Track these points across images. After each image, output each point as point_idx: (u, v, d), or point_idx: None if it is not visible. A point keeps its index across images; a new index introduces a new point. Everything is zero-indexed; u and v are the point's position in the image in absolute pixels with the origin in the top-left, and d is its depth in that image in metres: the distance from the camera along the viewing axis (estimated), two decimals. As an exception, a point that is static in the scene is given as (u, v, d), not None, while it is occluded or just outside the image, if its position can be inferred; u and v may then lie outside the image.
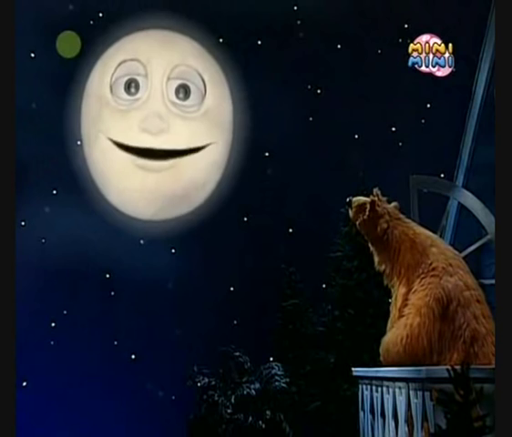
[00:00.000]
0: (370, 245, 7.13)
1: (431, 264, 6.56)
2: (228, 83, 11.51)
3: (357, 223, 7.17)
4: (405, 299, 6.60)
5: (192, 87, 11.33)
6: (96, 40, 11.34)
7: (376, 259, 7.05)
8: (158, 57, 11.33)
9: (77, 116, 11.34)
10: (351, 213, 7.27)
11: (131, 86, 11.26)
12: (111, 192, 11.30)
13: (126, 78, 11.30)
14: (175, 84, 11.28)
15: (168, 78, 11.23)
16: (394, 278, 6.82)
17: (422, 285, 6.47)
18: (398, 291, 6.71)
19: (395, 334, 6.46)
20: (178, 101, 11.24)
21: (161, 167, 11.22)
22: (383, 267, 6.97)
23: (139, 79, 11.28)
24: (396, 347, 6.39)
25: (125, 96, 11.28)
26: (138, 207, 11.27)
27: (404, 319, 6.44)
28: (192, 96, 11.31)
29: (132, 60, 11.31)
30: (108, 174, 11.32)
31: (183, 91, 11.24)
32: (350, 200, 7.26)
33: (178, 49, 11.47)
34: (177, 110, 11.25)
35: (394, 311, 6.74)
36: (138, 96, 11.26)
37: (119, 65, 11.32)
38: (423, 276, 6.52)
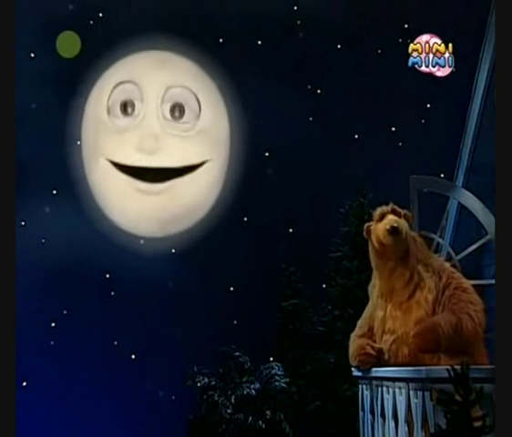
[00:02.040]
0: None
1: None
2: (224, 100, 11.53)
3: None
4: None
5: (186, 107, 11.37)
6: (96, 40, 11.34)
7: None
8: (152, 79, 11.38)
9: (77, 116, 11.35)
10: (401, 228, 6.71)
11: (127, 106, 11.33)
12: (112, 213, 11.33)
13: (121, 100, 11.35)
14: (169, 104, 11.31)
15: (163, 100, 11.29)
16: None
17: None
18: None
19: None
20: (172, 120, 11.29)
21: (159, 190, 11.25)
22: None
23: (135, 101, 11.33)
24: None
25: (121, 117, 11.33)
26: (138, 227, 11.31)
27: None
28: (187, 114, 11.36)
29: (127, 82, 11.37)
30: (109, 196, 11.36)
31: (178, 110, 11.30)
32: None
33: (171, 70, 11.51)
34: (172, 129, 11.31)
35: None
36: (133, 116, 11.31)
37: (115, 87, 11.37)
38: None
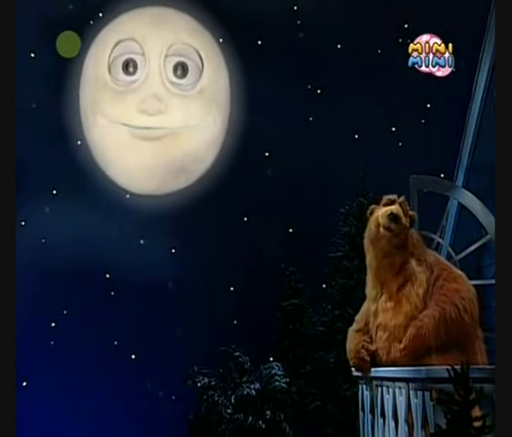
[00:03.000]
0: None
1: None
2: (224, 58, 11.53)
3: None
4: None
5: (190, 64, 11.34)
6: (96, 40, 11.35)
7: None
8: (153, 35, 11.33)
9: (77, 115, 11.35)
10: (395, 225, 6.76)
11: (129, 66, 11.26)
12: (113, 171, 11.36)
13: (123, 58, 11.29)
14: (173, 61, 11.27)
15: (166, 56, 11.24)
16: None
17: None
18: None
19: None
20: (175, 80, 11.25)
21: (158, 135, 11.24)
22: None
23: (137, 58, 11.27)
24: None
25: (123, 76, 11.28)
26: (139, 181, 11.34)
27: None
28: (190, 73, 11.33)
29: (128, 40, 11.31)
30: (108, 153, 11.37)
31: (181, 69, 11.25)
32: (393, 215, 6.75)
33: (173, 26, 11.47)
34: (174, 89, 11.27)
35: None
36: (136, 76, 11.26)
37: (116, 45, 11.32)
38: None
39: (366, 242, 6.94)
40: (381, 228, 6.73)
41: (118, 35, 11.36)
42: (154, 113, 11.14)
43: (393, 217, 6.67)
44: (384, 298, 6.76)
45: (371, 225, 6.87)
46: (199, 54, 11.39)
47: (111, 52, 11.30)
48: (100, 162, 11.38)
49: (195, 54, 11.38)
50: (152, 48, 11.28)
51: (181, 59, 11.29)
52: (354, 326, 7.11)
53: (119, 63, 11.27)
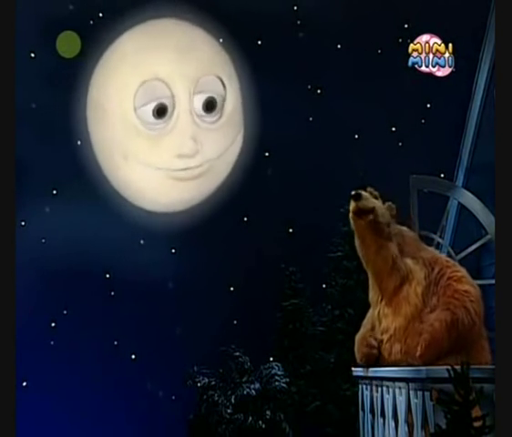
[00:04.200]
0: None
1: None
2: (238, 78, 11.56)
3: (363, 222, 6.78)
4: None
5: (217, 97, 11.32)
6: (96, 40, 11.34)
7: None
8: (180, 74, 11.19)
9: (77, 115, 11.34)
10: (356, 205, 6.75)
11: (160, 111, 11.07)
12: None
13: (153, 104, 11.08)
14: (201, 98, 11.22)
15: (194, 92, 11.18)
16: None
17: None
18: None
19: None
20: (205, 114, 11.23)
21: (197, 173, 11.31)
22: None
23: (166, 101, 11.10)
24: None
25: (154, 120, 11.09)
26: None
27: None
28: (218, 105, 11.33)
29: (154, 80, 11.11)
30: (145, 192, 11.39)
31: (211, 104, 11.24)
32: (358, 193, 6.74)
33: (196, 56, 11.39)
34: (205, 125, 11.26)
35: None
36: (167, 118, 11.13)
37: (140, 86, 11.10)
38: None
39: (356, 244, 6.93)
40: (354, 216, 6.73)
41: (143, 76, 11.13)
42: (192, 155, 11.14)
43: (354, 194, 6.68)
44: (384, 302, 6.74)
45: (352, 223, 6.87)
46: (221, 80, 11.38)
47: (136, 92, 11.09)
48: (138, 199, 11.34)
49: (219, 82, 11.37)
50: (180, 87, 11.15)
51: (209, 95, 11.25)
52: (361, 330, 7.10)
53: (149, 108, 11.07)
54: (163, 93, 11.15)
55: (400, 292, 6.61)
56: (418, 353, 6.34)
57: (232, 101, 11.47)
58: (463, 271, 6.74)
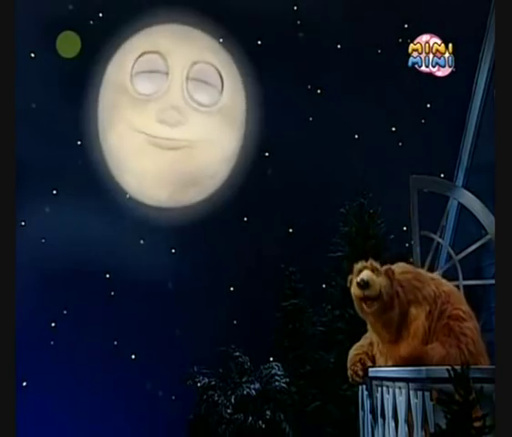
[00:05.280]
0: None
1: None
2: (242, 80, 11.58)
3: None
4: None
5: (211, 86, 11.40)
6: (96, 40, 11.35)
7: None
8: (178, 51, 11.48)
9: (77, 115, 11.36)
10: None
11: (152, 80, 11.39)
12: (127, 177, 11.48)
13: (147, 72, 11.44)
14: (194, 82, 11.36)
15: (189, 73, 11.34)
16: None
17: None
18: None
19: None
20: (196, 97, 11.33)
21: (175, 146, 11.38)
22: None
23: (160, 74, 11.40)
24: None
25: (145, 87, 11.42)
26: (150, 190, 11.46)
27: None
28: (210, 91, 11.39)
29: (152, 52, 11.49)
30: (124, 158, 11.46)
31: (202, 88, 11.34)
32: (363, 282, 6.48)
33: (196, 43, 11.63)
34: (195, 105, 11.43)
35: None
36: (157, 88, 11.40)
37: (140, 56, 11.48)
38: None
39: (356, 309, 6.88)
40: (360, 302, 6.56)
41: (144, 47, 11.54)
42: (173, 124, 11.23)
43: (362, 283, 6.49)
44: (381, 341, 6.73)
45: (353, 295, 6.66)
46: (219, 73, 11.46)
47: (135, 62, 11.45)
48: (113, 165, 11.42)
49: (217, 75, 11.45)
50: (176, 63, 11.42)
51: (202, 80, 11.37)
52: (361, 341, 7.09)
53: (142, 74, 11.44)
54: (158, 64, 11.44)
55: (401, 336, 6.57)
56: (402, 357, 6.34)
57: (230, 97, 11.49)
58: (464, 307, 6.67)
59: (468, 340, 6.39)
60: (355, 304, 6.69)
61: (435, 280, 6.87)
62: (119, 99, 11.47)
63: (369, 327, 6.90)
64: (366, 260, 6.69)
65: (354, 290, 6.58)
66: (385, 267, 6.64)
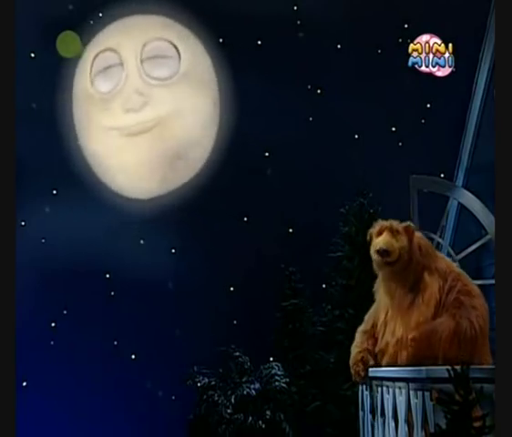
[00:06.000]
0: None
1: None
2: (203, 44, 11.57)
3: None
4: None
5: (167, 58, 11.44)
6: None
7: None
8: (127, 39, 11.46)
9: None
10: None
11: (108, 73, 11.39)
12: (113, 176, 11.46)
13: (102, 68, 11.44)
14: (149, 61, 11.39)
15: (142, 55, 11.39)
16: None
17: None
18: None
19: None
20: (154, 74, 11.38)
21: (148, 127, 11.34)
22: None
23: (115, 66, 11.41)
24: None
25: (105, 86, 11.42)
26: (140, 182, 11.42)
27: None
28: (168, 64, 11.42)
29: (105, 50, 11.46)
30: (106, 158, 11.47)
31: (158, 64, 11.35)
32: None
33: (143, 27, 11.61)
34: (155, 82, 11.41)
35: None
36: (116, 82, 11.37)
37: (95, 58, 11.47)
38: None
39: (374, 266, 6.88)
40: (376, 261, 6.64)
41: (96, 48, 11.53)
42: (139, 108, 11.23)
43: (382, 251, 6.54)
44: (393, 308, 6.70)
45: (372, 255, 6.71)
46: (174, 45, 11.46)
47: (91, 65, 11.46)
48: (99, 170, 11.42)
49: (170, 46, 11.45)
50: (128, 52, 11.40)
51: (157, 54, 11.40)
52: (362, 326, 7.06)
53: (100, 74, 11.44)
54: (112, 59, 11.43)
55: (413, 302, 6.57)
56: (412, 335, 6.34)
57: (190, 61, 11.53)
58: (473, 285, 6.69)
59: (479, 313, 6.40)
60: (374, 262, 6.71)
61: (447, 260, 6.93)
62: (86, 105, 11.48)
63: (378, 294, 6.88)
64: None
65: (374, 255, 6.61)
66: (405, 225, 6.66)
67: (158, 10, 11.50)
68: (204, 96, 11.58)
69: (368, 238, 6.84)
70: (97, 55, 11.45)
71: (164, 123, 11.38)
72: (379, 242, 6.60)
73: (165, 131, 11.37)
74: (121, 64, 11.37)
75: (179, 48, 11.50)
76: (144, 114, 11.28)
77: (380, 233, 6.67)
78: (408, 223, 6.72)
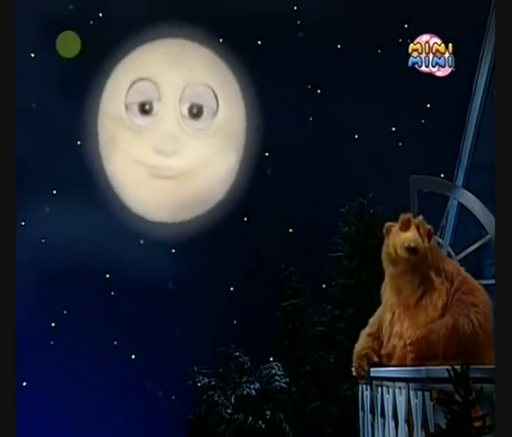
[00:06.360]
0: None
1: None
2: (242, 95, 11.55)
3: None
4: None
5: (205, 106, 11.38)
6: (96, 40, 11.35)
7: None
8: (170, 75, 11.35)
9: (77, 115, 11.35)
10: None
11: (145, 106, 11.32)
12: (128, 202, 11.46)
13: (139, 100, 11.33)
14: (188, 102, 11.33)
15: (181, 99, 11.29)
16: None
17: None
18: None
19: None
20: (190, 119, 11.31)
21: (172, 174, 11.34)
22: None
23: (153, 100, 11.32)
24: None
25: (139, 117, 11.33)
26: (154, 213, 11.46)
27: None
28: (205, 114, 11.36)
29: (144, 80, 11.36)
30: (124, 185, 11.46)
31: (196, 110, 11.31)
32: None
33: (189, 63, 11.50)
34: (189, 129, 11.34)
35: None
36: (151, 115, 11.33)
37: (132, 84, 11.37)
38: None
39: (385, 260, 6.81)
40: (399, 256, 6.54)
41: (135, 74, 11.43)
42: (169, 154, 11.20)
43: (411, 250, 6.44)
44: (400, 309, 6.68)
45: (389, 248, 6.62)
46: (214, 93, 11.41)
47: (127, 91, 11.36)
48: (115, 189, 11.43)
49: (211, 93, 11.40)
50: (168, 89, 11.32)
51: (196, 101, 11.34)
52: (367, 329, 7.04)
53: (136, 104, 11.34)
54: (151, 92, 11.32)
55: (420, 302, 6.54)
56: (409, 340, 6.33)
57: (225, 114, 11.47)
58: (477, 285, 6.64)
59: (479, 310, 6.35)
60: (389, 257, 6.63)
61: (455, 263, 6.92)
62: (116, 129, 11.44)
63: (385, 295, 6.85)
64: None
65: (400, 250, 6.49)
66: (428, 226, 6.61)
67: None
68: (232, 149, 11.57)
69: (384, 231, 6.77)
70: (134, 82, 11.36)
71: (189, 174, 11.39)
72: (409, 239, 6.46)
73: (187, 182, 11.40)
74: (159, 99, 11.30)
75: (219, 98, 11.45)
76: (173, 161, 11.27)
77: (406, 228, 6.56)
78: (430, 227, 6.68)
